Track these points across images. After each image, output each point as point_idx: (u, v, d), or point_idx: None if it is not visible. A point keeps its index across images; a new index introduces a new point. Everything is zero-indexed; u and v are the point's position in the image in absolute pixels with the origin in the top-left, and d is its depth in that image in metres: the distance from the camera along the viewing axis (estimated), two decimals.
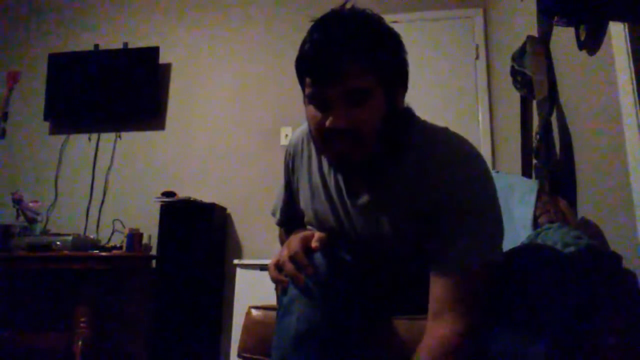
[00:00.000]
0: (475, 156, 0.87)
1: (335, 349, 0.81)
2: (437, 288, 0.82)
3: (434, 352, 0.77)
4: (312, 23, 0.84)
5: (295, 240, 0.88)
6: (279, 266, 0.88)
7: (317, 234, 0.89)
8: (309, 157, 1.02)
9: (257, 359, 0.99)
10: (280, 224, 1.18)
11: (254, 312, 1.04)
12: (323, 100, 0.82)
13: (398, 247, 0.89)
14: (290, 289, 0.85)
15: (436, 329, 0.79)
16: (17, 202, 2.85)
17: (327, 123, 0.81)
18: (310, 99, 0.85)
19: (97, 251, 2.72)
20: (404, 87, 0.90)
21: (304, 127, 1.04)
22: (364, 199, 0.92)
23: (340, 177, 0.95)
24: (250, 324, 1.02)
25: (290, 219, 1.13)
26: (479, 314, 0.79)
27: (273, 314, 0.93)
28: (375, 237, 0.92)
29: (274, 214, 1.18)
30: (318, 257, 0.86)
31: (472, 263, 0.80)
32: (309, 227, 1.04)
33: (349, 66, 0.79)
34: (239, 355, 1.01)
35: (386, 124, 0.83)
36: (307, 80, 0.84)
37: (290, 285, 0.85)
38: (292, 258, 0.85)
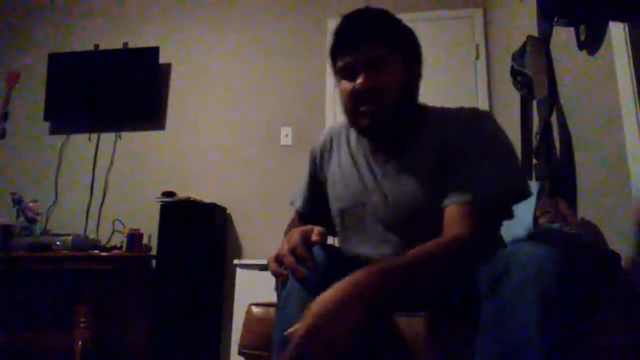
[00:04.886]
0: (488, 113, 1.04)
1: None
2: (451, 210, 0.91)
3: (440, 243, 0.86)
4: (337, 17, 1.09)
5: (295, 233, 0.90)
6: (279, 259, 0.90)
7: (317, 228, 0.91)
8: (338, 147, 1.17)
9: (257, 355, 0.99)
10: (302, 211, 1.24)
11: (255, 309, 1.04)
12: (351, 70, 1.02)
13: (425, 207, 0.96)
14: (290, 282, 0.86)
15: (445, 234, 0.89)
16: (17, 202, 2.85)
17: (356, 85, 0.99)
18: (341, 72, 1.04)
19: (97, 251, 2.72)
20: (419, 72, 1.08)
21: (328, 129, 1.23)
22: (391, 164, 1.05)
23: (368, 151, 1.10)
24: (251, 321, 1.03)
25: (311, 209, 1.22)
26: (487, 233, 0.90)
27: (273, 310, 0.95)
28: (404, 199, 1.00)
29: (292, 204, 1.26)
30: (317, 250, 0.87)
31: (487, 187, 0.90)
32: (335, 218, 1.13)
33: (370, 38, 1.02)
34: (239, 352, 1.02)
35: (403, 93, 1.02)
36: (339, 60, 1.04)
37: (289, 278, 0.86)
38: (293, 251, 0.87)
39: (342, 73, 1.04)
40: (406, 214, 1.00)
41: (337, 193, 1.12)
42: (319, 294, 0.82)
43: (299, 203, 1.24)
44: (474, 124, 0.99)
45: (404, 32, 1.07)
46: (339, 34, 1.06)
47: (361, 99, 1.00)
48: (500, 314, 0.76)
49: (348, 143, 1.16)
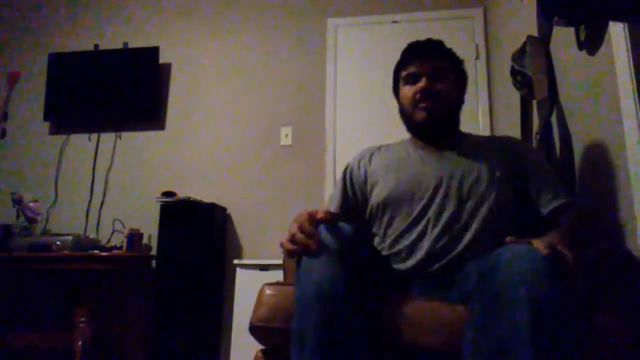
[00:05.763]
0: None
1: (346, 307, 0.86)
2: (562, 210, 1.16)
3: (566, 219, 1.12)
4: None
5: (302, 214, 0.97)
6: (292, 240, 0.95)
7: (322, 210, 1.00)
8: (379, 154, 1.34)
9: (270, 327, 1.02)
10: (337, 212, 1.33)
11: (267, 288, 1.08)
12: (415, 76, 1.24)
13: (478, 185, 1.15)
14: (303, 258, 0.92)
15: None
16: (17, 202, 2.85)
17: (421, 84, 1.22)
18: (405, 79, 1.27)
19: (97, 251, 2.72)
20: (463, 97, 1.33)
21: (364, 148, 1.40)
22: (445, 153, 1.24)
23: (419, 147, 1.29)
24: (264, 297, 1.07)
25: (344, 212, 1.31)
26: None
27: (285, 288, 1.03)
28: (461, 178, 1.17)
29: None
30: (322, 229, 0.94)
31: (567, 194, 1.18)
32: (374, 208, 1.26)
33: (435, 52, 1.27)
34: (250, 327, 1.05)
35: (454, 105, 1.28)
36: (404, 70, 1.28)
37: (303, 256, 0.92)
38: (300, 229, 0.93)
39: (406, 80, 1.27)
40: (460, 191, 1.15)
41: (384, 183, 1.24)
42: (328, 267, 0.89)
43: (334, 206, 1.33)
44: (519, 141, 1.36)
45: (459, 59, 1.32)
46: (406, 51, 1.30)
47: (421, 96, 1.22)
48: (491, 310, 0.76)
49: (388, 151, 1.34)
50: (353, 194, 1.32)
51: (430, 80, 1.22)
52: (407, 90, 1.26)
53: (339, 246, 0.91)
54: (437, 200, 1.16)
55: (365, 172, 1.32)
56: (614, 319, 0.87)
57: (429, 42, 1.30)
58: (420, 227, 1.14)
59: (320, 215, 0.96)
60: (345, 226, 0.97)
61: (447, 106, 1.25)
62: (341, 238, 0.93)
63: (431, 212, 1.15)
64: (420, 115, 1.24)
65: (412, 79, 1.25)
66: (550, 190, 1.17)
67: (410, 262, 1.12)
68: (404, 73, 1.28)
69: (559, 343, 0.70)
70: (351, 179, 1.34)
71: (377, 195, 1.25)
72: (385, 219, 1.22)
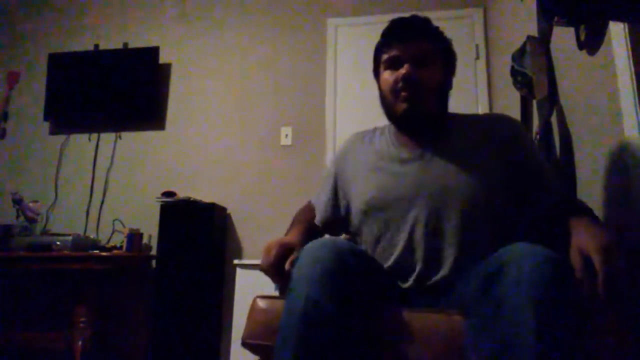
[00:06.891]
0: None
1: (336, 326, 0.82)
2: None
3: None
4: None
5: (275, 251, 1.01)
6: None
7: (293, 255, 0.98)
8: (362, 147, 1.25)
9: (261, 345, 0.99)
10: (321, 219, 1.30)
11: (260, 302, 1.04)
12: (396, 61, 1.13)
13: (461, 187, 1.06)
14: (293, 288, 0.88)
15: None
16: (17, 202, 2.85)
17: (402, 71, 1.10)
18: (386, 64, 1.15)
19: (97, 251, 2.72)
20: (451, 81, 1.19)
21: (351, 134, 1.32)
22: (427, 150, 1.13)
23: (402, 142, 1.18)
24: (256, 312, 1.03)
25: (332, 212, 1.28)
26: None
27: (278, 302, 0.97)
28: (440, 179, 1.09)
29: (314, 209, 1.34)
30: (325, 261, 0.87)
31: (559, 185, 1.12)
32: (357, 214, 1.19)
33: (419, 34, 1.15)
34: (242, 343, 1.02)
35: (439, 91, 1.14)
36: (385, 53, 1.15)
37: (292, 284, 0.88)
38: (276, 258, 0.99)
39: (387, 64, 1.15)
40: (441, 194, 1.07)
41: (363, 188, 1.17)
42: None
43: (320, 214, 1.30)
44: (514, 122, 1.19)
45: (446, 40, 1.20)
46: (388, 30, 1.17)
47: (403, 85, 1.10)
48: (495, 313, 0.75)
49: (371, 146, 1.23)
50: (343, 192, 1.27)
51: (413, 65, 1.10)
52: (388, 76, 1.14)
53: (332, 272, 0.85)
54: (417, 212, 1.08)
55: (350, 170, 1.25)
56: (614, 319, 0.87)
57: (413, 20, 1.17)
58: (402, 246, 1.08)
59: (287, 267, 0.96)
60: (330, 245, 0.90)
61: (432, 94, 1.12)
62: (337, 261, 0.86)
63: (411, 228, 1.08)
64: (401, 107, 1.12)
65: (394, 64, 1.13)
66: (545, 187, 1.10)
67: (405, 284, 1.07)
68: (384, 56, 1.15)
69: (563, 345, 0.70)
70: (335, 177, 1.29)
71: (355, 202, 1.19)
72: (367, 228, 1.16)
